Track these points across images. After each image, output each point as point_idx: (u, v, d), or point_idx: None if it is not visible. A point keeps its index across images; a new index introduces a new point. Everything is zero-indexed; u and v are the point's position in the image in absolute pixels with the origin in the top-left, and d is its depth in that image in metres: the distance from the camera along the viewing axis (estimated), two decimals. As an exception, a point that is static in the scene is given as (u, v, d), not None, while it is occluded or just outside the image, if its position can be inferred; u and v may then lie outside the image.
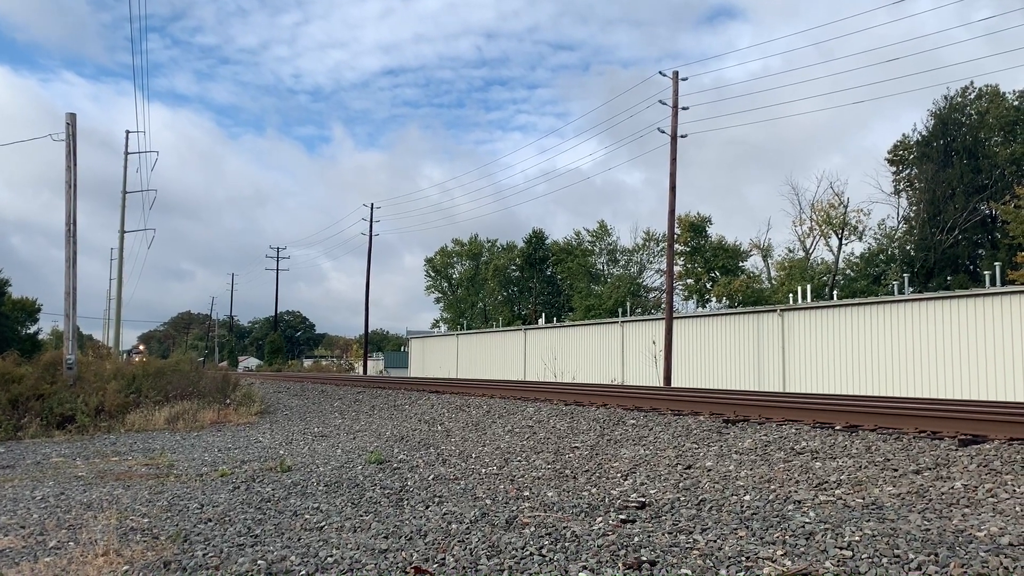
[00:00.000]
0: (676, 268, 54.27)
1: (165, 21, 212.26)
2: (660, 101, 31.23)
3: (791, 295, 39.22)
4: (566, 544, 5.81)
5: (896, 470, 7.42)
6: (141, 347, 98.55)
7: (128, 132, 43.77)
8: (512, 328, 49.43)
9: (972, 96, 53.19)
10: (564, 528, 6.28)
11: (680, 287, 60.03)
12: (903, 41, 75.08)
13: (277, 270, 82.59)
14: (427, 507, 7.76)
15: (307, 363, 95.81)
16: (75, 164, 22.22)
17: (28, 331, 51.75)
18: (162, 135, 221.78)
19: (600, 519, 6.63)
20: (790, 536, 5.62)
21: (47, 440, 16.60)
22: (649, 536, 5.89)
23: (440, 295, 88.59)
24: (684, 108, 30.90)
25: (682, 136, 30.78)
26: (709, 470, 8.48)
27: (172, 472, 11.21)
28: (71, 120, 22.52)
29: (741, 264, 60.33)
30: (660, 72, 31.55)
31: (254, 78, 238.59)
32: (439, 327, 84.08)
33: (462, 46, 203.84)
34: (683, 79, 30.99)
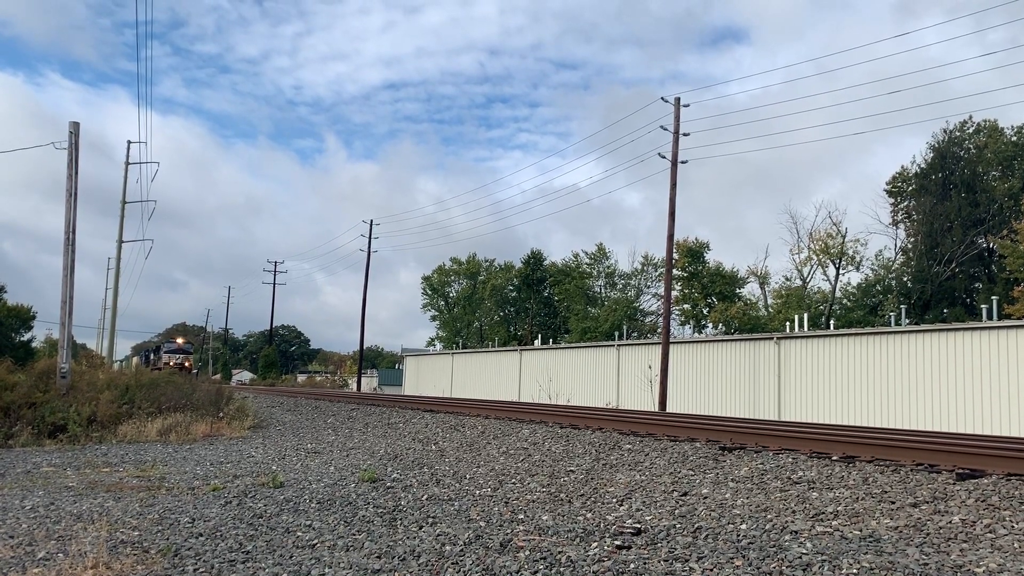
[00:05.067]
0: (673, 293, 54.30)
1: (165, 28, 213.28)
2: (662, 127, 31.39)
3: (788, 323, 39.23)
4: (561, 569, 5.76)
5: (894, 503, 7.38)
6: (179, 340, 62.14)
7: (129, 142, 43.90)
8: (508, 348, 49.32)
9: (971, 130, 53.60)
10: (559, 553, 6.23)
11: (677, 312, 60.03)
12: (909, 72, 75.66)
13: (274, 284, 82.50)
14: (420, 528, 7.70)
15: (301, 378, 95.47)
16: (77, 173, 22.24)
17: (22, 339, 51.45)
18: (157, 142, 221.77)
19: (595, 544, 6.58)
20: (787, 567, 5.57)
21: (38, 449, 16.48)
22: (645, 563, 5.84)
23: (436, 313, 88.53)
24: (685, 134, 31.06)
25: (683, 162, 30.92)
26: (705, 497, 8.43)
27: (163, 485, 11.12)
28: (74, 129, 22.54)
29: (738, 291, 60.38)
30: (663, 98, 31.75)
31: (253, 88, 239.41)
32: (434, 345, 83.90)
33: (464, 61, 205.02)
34: (685, 105, 31.18)
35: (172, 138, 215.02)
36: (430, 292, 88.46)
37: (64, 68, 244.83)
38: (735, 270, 61.02)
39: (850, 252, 55.36)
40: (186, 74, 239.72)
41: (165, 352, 56.99)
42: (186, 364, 56.98)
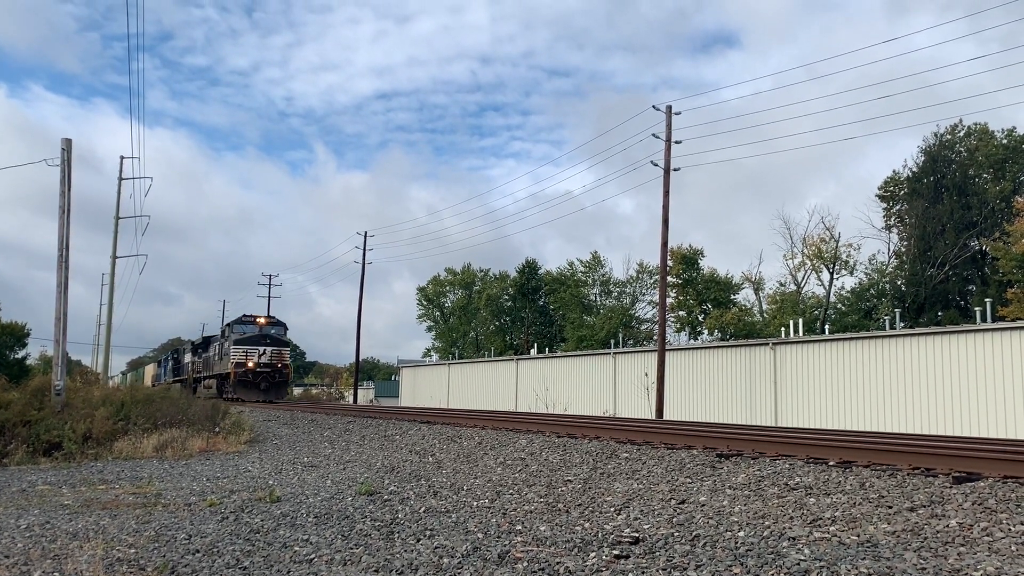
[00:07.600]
0: (668, 300, 54.36)
1: (154, 41, 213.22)
2: (654, 135, 31.52)
3: (783, 329, 39.29)
4: (559, 580, 5.75)
5: (891, 507, 7.39)
6: (260, 319, 38.76)
7: (123, 158, 43.83)
8: (504, 358, 49.31)
9: (962, 133, 53.90)
10: (557, 563, 6.22)
11: (672, 319, 60.09)
12: (902, 77, 76.11)
13: (269, 297, 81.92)
14: (418, 540, 7.68)
15: (297, 391, 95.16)
16: (69, 190, 22.21)
17: (16, 356, 51.36)
18: (148, 156, 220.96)
19: (593, 554, 6.56)
20: (785, 574, 5.57)
21: (33, 467, 16.40)
22: (643, 572, 5.83)
23: (432, 324, 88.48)
24: (677, 142, 31.17)
25: (675, 169, 31.03)
26: (703, 505, 8.43)
27: (160, 501, 11.07)
28: (67, 146, 22.53)
29: (733, 297, 60.51)
30: (654, 107, 31.87)
31: (244, 100, 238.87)
32: (431, 356, 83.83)
33: (456, 70, 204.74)
34: (676, 113, 31.31)
35: (161, 151, 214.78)
36: (425, 303, 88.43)
37: (50, 81, 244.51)
38: (729, 276, 61.23)
39: (844, 256, 55.59)
40: (175, 87, 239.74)
41: (235, 344, 33.65)
42: (280, 365, 35.03)
